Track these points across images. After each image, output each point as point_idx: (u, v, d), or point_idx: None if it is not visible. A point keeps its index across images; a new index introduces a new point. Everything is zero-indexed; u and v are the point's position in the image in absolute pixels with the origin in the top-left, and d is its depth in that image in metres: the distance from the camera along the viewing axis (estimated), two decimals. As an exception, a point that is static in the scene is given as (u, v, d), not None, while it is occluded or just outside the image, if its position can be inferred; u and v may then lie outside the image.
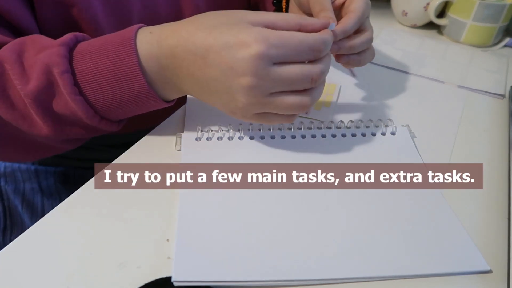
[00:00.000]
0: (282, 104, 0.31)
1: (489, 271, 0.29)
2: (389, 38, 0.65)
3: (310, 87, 0.31)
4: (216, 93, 0.32)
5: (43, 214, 0.31)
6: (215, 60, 0.30)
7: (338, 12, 0.42)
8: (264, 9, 0.62)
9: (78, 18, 0.40)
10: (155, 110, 0.42)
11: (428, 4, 0.65)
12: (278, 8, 0.53)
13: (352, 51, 0.38)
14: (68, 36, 0.33)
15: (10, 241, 0.29)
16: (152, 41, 0.32)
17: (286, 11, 0.51)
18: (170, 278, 0.26)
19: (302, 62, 0.31)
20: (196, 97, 0.35)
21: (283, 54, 0.29)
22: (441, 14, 0.67)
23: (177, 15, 0.50)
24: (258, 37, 0.28)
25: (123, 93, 0.33)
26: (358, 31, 0.39)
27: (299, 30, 0.31)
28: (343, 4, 0.41)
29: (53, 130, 0.34)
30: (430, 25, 0.69)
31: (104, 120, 0.35)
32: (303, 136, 0.39)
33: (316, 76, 0.31)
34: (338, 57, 0.39)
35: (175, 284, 0.26)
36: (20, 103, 0.33)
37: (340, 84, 0.49)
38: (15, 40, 0.34)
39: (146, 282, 0.26)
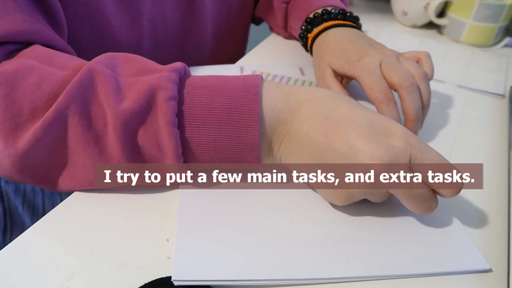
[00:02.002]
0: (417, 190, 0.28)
1: (489, 270, 0.29)
2: (389, 38, 0.65)
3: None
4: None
5: (43, 215, 0.31)
6: (350, 134, 0.28)
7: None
8: (271, 17, 0.62)
9: (88, 13, 0.40)
10: None
11: (428, 4, 0.65)
12: (304, 41, 0.52)
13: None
14: (178, 64, 0.31)
15: (11, 241, 0.29)
16: (279, 94, 0.31)
17: (311, 49, 0.50)
18: (170, 278, 0.26)
19: None
20: (284, 161, 0.32)
21: (419, 157, 0.28)
22: (441, 14, 0.67)
23: (183, 11, 0.50)
24: (406, 132, 0.28)
25: (227, 138, 0.29)
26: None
27: None
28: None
29: (125, 161, 0.29)
30: (430, 25, 0.69)
31: (185, 166, 0.31)
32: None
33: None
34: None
35: (175, 283, 0.26)
36: (99, 124, 0.29)
37: None
38: (104, 54, 0.31)
39: (146, 282, 0.26)
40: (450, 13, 0.64)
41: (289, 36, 0.62)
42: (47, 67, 0.30)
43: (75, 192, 0.33)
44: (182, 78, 0.30)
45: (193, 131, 0.29)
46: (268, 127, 0.30)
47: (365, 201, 0.33)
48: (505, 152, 0.41)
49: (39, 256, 0.28)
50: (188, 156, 0.30)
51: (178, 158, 0.29)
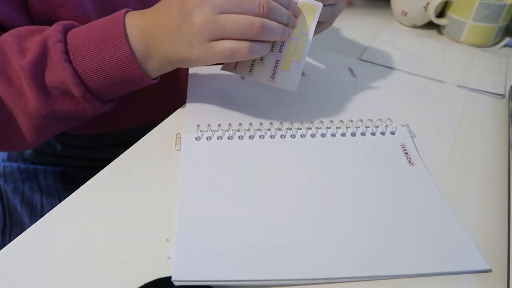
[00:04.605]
0: (231, 21, 0.33)
1: (489, 270, 0.29)
2: (389, 38, 0.65)
3: (259, 11, 0.33)
4: (178, 31, 0.34)
5: (42, 214, 0.31)
6: (177, 1, 0.34)
7: None
8: None
9: (69, 18, 0.41)
10: (154, 107, 0.42)
11: (428, 4, 0.65)
12: None
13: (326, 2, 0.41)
14: (66, 21, 0.38)
15: (10, 240, 0.29)
16: (138, 13, 0.37)
17: None
18: (170, 278, 0.26)
19: None
20: (165, 55, 0.36)
21: None
22: (441, 14, 0.67)
23: None
24: None
25: (107, 61, 0.36)
26: None
27: None
28: None
29: (43, 103, 0.36)
30: (430, 25, 0.69)
31: (89, 93, 0.37)
32: (303, 136, 0.39)
33: (264, 2, 0.33)
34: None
35: (175, 283, 0.26)
36: (17, 81, 0.36)
37: (319, 7, 0.39)
38: (18, 28, 0.38)
39: (146, 282, 0.26)
40: (450, 13, 0.64)
41: None
42: None
43: (75, 192, 0.33)
44: (69, 29, 0.37)
45: (81, 62, 0.35)
46: (136, 41, 0.36)
47: (364, 203, 0.33)
48: (505, 152, 0.41)
49: (39, 256, 0.28)
50: (89, 84, 0.36)
51: (78, 86, 0.36)
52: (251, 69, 0.40)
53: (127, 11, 0.37)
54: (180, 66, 0.38)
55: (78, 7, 0.41)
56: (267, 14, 0.33)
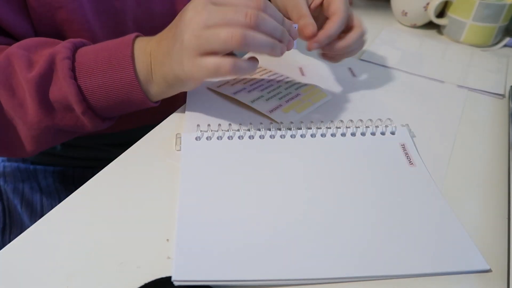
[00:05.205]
0: (212, 34, 0.32)
1: (489, 270, 0.29)
2: (389, 38, 0.65)
3: (245, 22, 0.31)
4: (173, 50, 0.34)
5: (42, 214, 0.31)
6: (175, 23, 0.35)
7: (318, 12, 0.44)
8: None
9: (69, 19, 0.41)
10: (154, 107, 0.42)
11: (428, 4, 0.65)
12: None
13: (347, 50, 0.41)
14: (76, 39, 0.38)
15: (10, 240, 0.29)
16: (147, 38, 0.38)
17: None
18: (170, 278, 0.26)
19: None
20: (162, 75, 0.37)
21: None
22: (441, 14, 0.67)
23: (171, 11, 0.50)
24: None
25: (111, 82, 0.37)
26: (347, 29, 0.42)
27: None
28: (321, 4, 0.43)
29: (43, 117, 0.37)
30: (430, 25, 0.69)
31: (90, 111, 0.38)
32: (303, 136, 0.39)
33: (251, 13, 0.31)
34: (333, 58, 0.44)
35: (175, 283, 0.26)
36: (20, 92, 0.37)
37: (329, 97, 0.46)
38: (28, 39, 0.38)
39: (146, 282, 0.26)
40: (450, 13, 0.64)
41: None
42: None
43: (75, 192, 0.33)
44: (78, 47, 0.38)
45: (86, 80, 0.36)
46: (141, 63, 0.37)
47: (364, 202, 0.33)
48: (505, 152, 0.41)
49: (39, 256, 0.28)
50: (91, 102, 0.37)
51: (80, 103, 0.36)
52: (254, 100, 0.44)
53: (137, 35, 0.38)
54: (176, 88, 0.38)
55: (77, 9, 0.41)
56: (255, 25, 0.32)
